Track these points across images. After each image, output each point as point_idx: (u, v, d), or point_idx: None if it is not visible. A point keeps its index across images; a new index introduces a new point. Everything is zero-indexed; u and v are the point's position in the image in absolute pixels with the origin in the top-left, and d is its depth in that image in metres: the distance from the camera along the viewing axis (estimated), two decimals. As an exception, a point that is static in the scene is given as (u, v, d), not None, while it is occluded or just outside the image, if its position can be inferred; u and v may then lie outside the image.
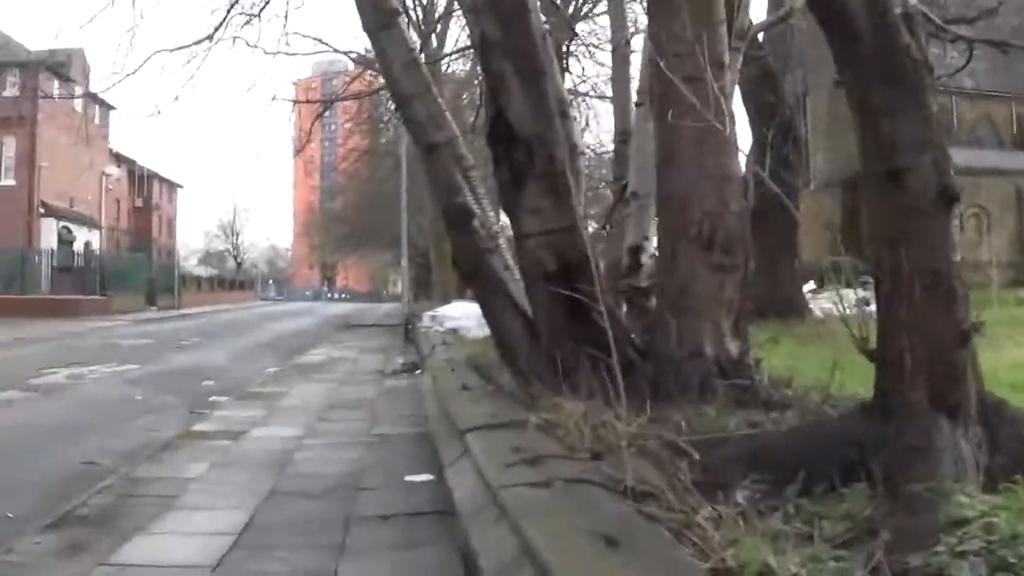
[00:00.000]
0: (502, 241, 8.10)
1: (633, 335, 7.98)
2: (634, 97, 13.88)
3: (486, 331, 18.35)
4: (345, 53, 35.14)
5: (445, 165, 8.13)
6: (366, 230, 64.56)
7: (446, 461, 7.17)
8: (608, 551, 3.50)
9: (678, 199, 7.70)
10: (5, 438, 10.55)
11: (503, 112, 7.64)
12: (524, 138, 7.41)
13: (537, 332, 7.42)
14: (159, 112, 42.56)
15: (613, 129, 18.30)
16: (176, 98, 40.50)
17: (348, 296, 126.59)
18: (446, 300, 32.25)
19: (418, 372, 17.27)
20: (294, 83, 42.46)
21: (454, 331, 19.27)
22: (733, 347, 7.37)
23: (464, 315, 20.44)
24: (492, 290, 7.80)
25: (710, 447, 5.26)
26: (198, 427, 11.17)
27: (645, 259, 10.95)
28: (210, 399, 14.21)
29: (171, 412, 12.89)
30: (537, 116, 7.60)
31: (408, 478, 7.70)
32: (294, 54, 35.63)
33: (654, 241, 10.47)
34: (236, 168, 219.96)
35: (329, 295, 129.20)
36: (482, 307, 8.13)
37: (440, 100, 9.61)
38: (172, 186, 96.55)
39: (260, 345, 27.86)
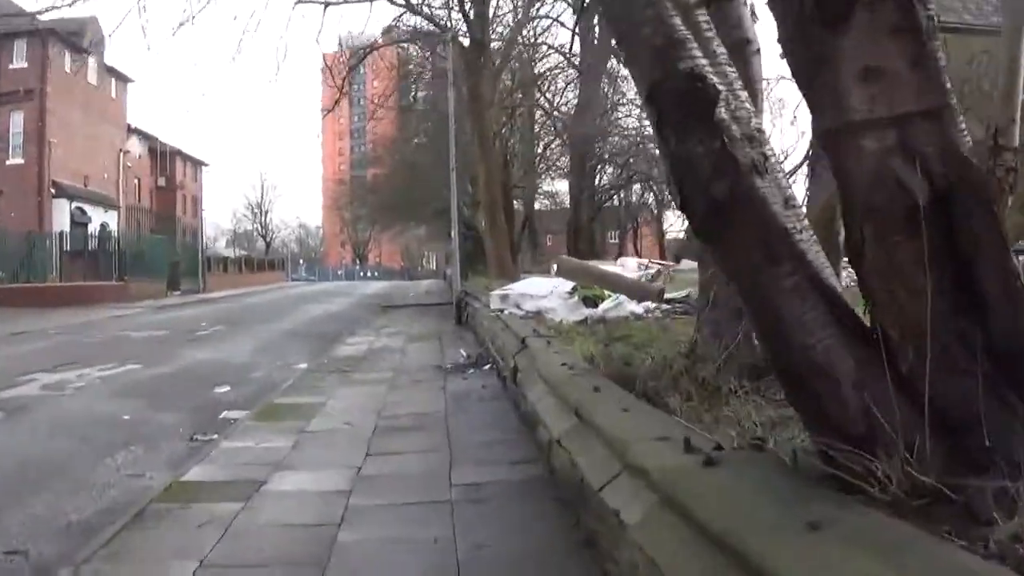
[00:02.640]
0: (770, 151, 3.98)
1: None
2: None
3: (578, 315, 15.04)
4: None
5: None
6: (400, 202, 61.01)
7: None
8: None
9: None
10: None
11: None
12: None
13: (889, 347, 3.47)
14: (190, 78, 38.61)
15: None
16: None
17: (382, 274, 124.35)
18: (503, 277, 28.66)
19: (487, 367, 14.14)
20: (326, 64, 38.99)
21: (536, 314, 15.51)
22: None
23: (546, 292, 16.75)
24: (763, 250, 3.60)
25: None
26: (194, 474, 7.70)
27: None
28: (221, 416, 11.20)
29: (163, 442, 9.57)
30: None
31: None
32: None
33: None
34: (264, 145, 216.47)
35: (362, 273, 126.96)
36: (740, 283, 3.82)
37: None
38: (197, 164, 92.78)
39: (289, 334, 24.57)
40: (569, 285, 17.03)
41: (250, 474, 7.52)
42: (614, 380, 7.09)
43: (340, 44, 46.81)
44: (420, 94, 52.55)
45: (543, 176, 57.17)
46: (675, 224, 67.61)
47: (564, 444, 5.94)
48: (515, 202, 49.58)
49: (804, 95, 3.67)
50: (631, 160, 52.62)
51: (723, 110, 3.75)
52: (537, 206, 61.60)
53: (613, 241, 69.83)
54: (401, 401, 11.65)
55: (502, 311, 16.28)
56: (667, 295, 16.07)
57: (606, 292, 15.70)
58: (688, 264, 21.14)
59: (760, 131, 3.92)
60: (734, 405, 6.27)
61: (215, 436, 9.56)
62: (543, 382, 7.95)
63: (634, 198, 65.28)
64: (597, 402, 5.91)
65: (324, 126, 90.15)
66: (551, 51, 46.15)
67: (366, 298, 49.26)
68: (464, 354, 15.65)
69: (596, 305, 15.08)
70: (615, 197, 61.01)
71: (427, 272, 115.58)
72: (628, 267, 23.36)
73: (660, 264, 24.82)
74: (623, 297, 15.10)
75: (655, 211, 70.84)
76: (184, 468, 7.87)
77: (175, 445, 9.39)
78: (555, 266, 23.17)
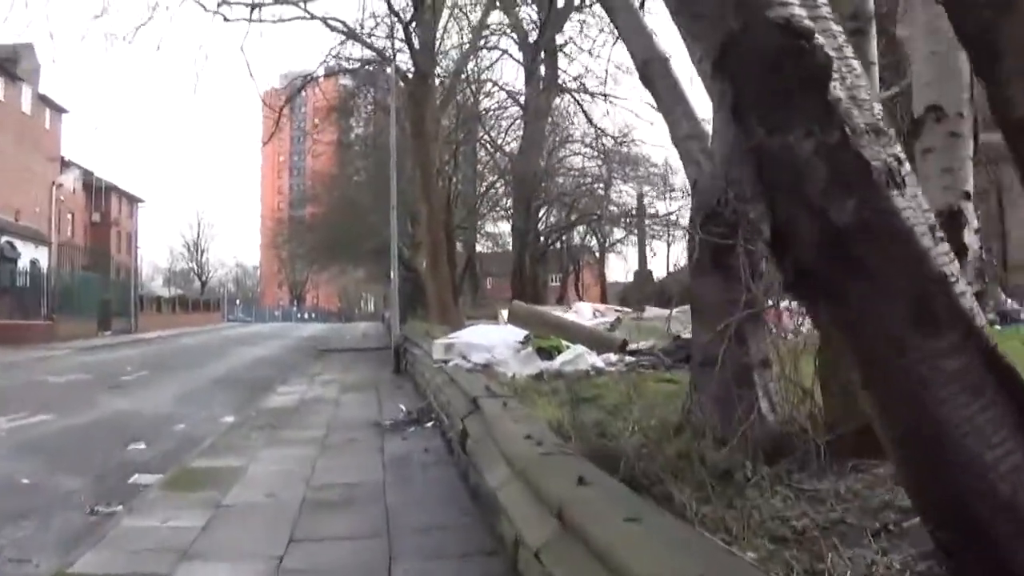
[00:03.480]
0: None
1: None
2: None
3: (533, 368, 13.61)
4: (324, 20, 29.82)
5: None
6: (338, 242, 59.40)
7: None
8: None
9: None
10: None
11: None
12: None
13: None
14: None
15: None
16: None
17: (319, 316, 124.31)
18: (445, 322, 27.19)
19: (430, 424, 12.80)
20: (261, 97, 37.58)
21: (485, 367, 13.93)
22: None
23: (496, 343, 15.16)
24: (910, 310, 2.23)
25: None
26: (85, 562, 6.41)
27: (969, 237, 5.29)
28: (131, 480, 10.10)
29: (60, 515, 8.36)
30: None
31: None
32: (260, 21, 29.93)
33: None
34: (203, 182, 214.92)
35: (300, 315, 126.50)
36: (866, 362, 2.45)
37: None
38: (133, 200, 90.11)
39: (218, 381, 23.47)
40: (521, 333, 15.54)
41: (149, 566, 6.26)
42: (592, 459, 5.67)
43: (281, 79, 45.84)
44: (360, 130, 51.32)
45: (485, 217, 55.89)
46: (616, 268, 67.24)
47: (547, 564, 4.44)
48: (456, 243, 48.35)
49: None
50: (575, 202, 51.74)
51: (838, 86, 2.35)
52: (479, 248, 60.20)
53: (555, 284, 68.73)
54: (333, 467, 10.30)
55: (446, 362, 14.78)
56: (630, 346, 14.70)
57: (563, 342, 14.20)
58: (653, 312, 19.69)
59: (881, 122, 2.51)
60: (753, 498, 4.92)
61: (119, 508, 8.34)
62: (505, 462, 6.47)
63: (577, 240, 64.19)
64: (588, 503, 4.42)
65: (264, 162, 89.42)
66: (496, 88, 45.39)
67: (302, 341, 48.27)
68: (404, 409, 14.23)
69: (552, 357, 13.63)
70: (559, 240, 59.80)
71: (365, 314, 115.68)
72: (583, 314, 21.80)
73: (617, 311, 23.36)
74: (582, 348, 13.60)
75: (597, 254, 70.20)
76: (76, 553, 6.64)
77: (73, 519, 8.18)
78: (504, 313, 21.77)
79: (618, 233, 61.98)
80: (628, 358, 13.54)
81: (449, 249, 36.97)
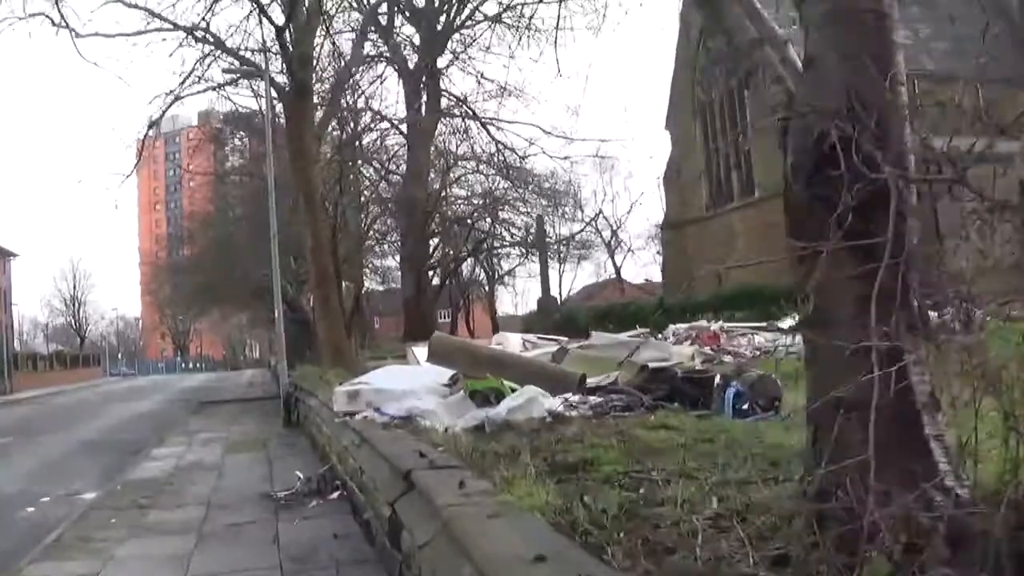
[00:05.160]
0: None
1: None
2: None
3: (470, 419, 10.46)
4: (188, 30, 26.47)
5: None
6: (217, 284, 55.70)
7: None
8: None
9: None
10: None
11: None
12: None
13: None
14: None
15: None
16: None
17: (204, 365, 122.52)
18: (338, 365, 24.06)
19: (335, 496, 10.24)
20: (135, 144, 34.60)
21: (406, 419, 10.54)
22: None
23: (414, 387, 11.85)
24: None
25: None
26: None
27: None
28: None
29: None
30: None
31: None
32: (113, 35, 26.82)
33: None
34: (77, 230, 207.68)
35: (184, 365, 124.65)
36: None
37: None
38: (5, 254, 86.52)
39: (85, 445, 20.94)
40: (444, 374, 12.36)
41: None
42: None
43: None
44: (238, 161, 48.73)
45: (372, 250, 52.80)
46: (505, 301, 66.10)
47: None
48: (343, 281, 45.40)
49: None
50: (473, 227, 49.33)
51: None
52: (367, 284, 56.92)
53: (444, 320, 66.20)
54: (213, 570, 7.66)
55: (352, 415, 11.69)
56: (588, 382, 11.68)
57: (504, 383, 10.94)
58: (602, 338, 16.50)
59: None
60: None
61: None
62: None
63: (466, 272, 61.81)
64: None
65: (140, 205, 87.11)
66: (377, 117, 43.08)
67: (183, 393, 45.71)
68: (300, 476, 11.26)
69: (492, 402, 10.48)
70: (455, 270, 57.03)
71: (251, 362, 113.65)
72: (511, 344, 18.41)
73: (552, 339, 20.04)
74: (533, 390, 10.31)
75: (486, 287, 68.76)
76: None
77: None
78: (416, 351, 18.57)
79: (508, 263, 60.43)
80: (592, 398, 10.51)
81: (338, 284, 34.04)
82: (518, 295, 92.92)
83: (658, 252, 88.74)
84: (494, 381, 10.83)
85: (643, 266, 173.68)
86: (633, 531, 4.47)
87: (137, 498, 11.90)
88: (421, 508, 5.76)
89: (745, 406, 9.37)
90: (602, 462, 6.51)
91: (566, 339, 18.90)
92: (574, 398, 10.42)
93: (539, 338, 20.69)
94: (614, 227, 67.20)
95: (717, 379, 10.57)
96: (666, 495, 5.20)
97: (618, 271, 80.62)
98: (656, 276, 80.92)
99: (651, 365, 11.91)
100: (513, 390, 10.43)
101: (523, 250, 53.23)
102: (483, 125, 42.57)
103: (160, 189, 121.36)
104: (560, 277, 67.25)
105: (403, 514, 6.13)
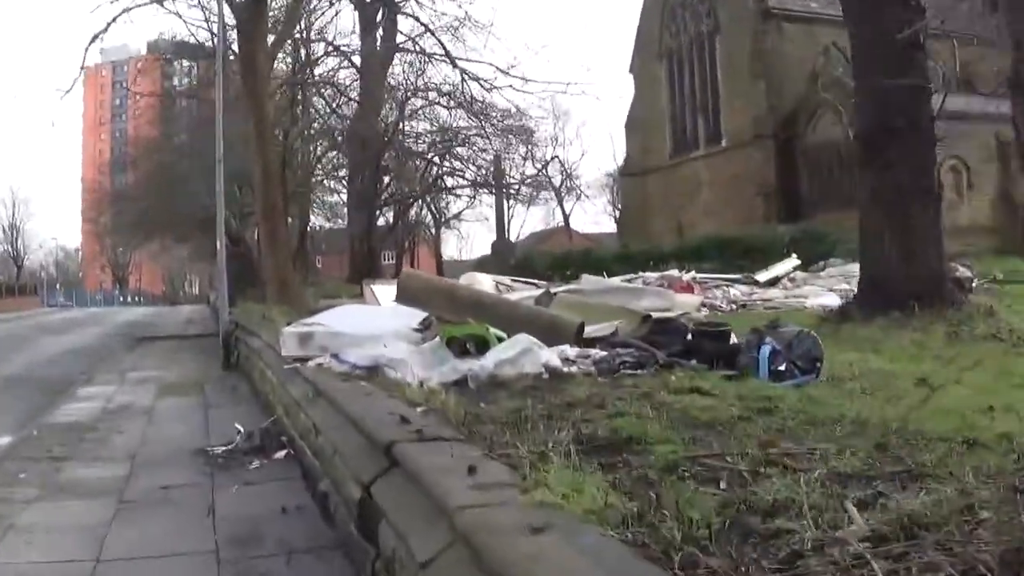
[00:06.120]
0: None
1: None
2: None
3: (448, 372, 8.79)
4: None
5: None
6: (158, 213, 53.40)
7: None
8: None
9: None
10: None
11: None
12: None
13: None
14: None
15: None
16: None
17: (143, 299, 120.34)
18: (284, 303, 22.42)
19: (281, 454, 8.84)
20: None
21: (370, 370, 8.90)
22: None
23: (379, 331, 10.16)
24: None
25: None
26: None
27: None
28: None
29: None
30: None
31: None
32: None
33: None
34: (15, 153, 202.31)
35: (122, 299, 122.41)
36: None
37: None
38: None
39: (6, 381, 19.03)
40: (414, 317, 10.61)
41: None
42: None
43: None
44: (186, 83, 47.06)
45: (320, 185, 51.11)
46: (450, 245, 65.84)
47: None
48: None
49: None
50: (429, 166, 47.97)
51: None
52: (313, 220, 55.15)
53: (389, 262, 64.85)
54: (133, 550, 6.15)
55: (304, 360, 10.11)
56: (586, 332, 9.98)
57: (490, 330, 9.21)
58: (591, 282, 14.85)
59: None
60: None
61: None
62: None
63: (412, 214, 60.40)
64: None
65: (84, 128, 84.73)
66: (331, 49, 41.61)
67: (120, 328, 43.31)
68: (241, 430, 9.71)
69: (472, 352, 8.77)
70: (410, 207, 55.56)
71: (191, 297, 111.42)
72: (484, 287, 16.61)
73: (533, 283, 18.31)
74: (526, 339, 8.61)
75: (432, 230, 68.86)
76: None
77: None
78: (376, 288, 16.95)
79: (456, 206, 59.48)
80: (594, 352, 8.88)
81: (286, 217, 32.48)
82: (463, 239, 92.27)
83: (608, 201, 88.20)
84: (477, 327, 9.15)
85: (593, 215, 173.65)
86: (758, 561, 2.96)
87: (54, 446, 10.46)
88: (415, 501, 4.24)
89: (782, 367, 7.91)
90: (649, 439, 4.91)
91: (546, 283, 17.42)
92: (572, 351, 8.84)
93: (514, 280, 19.16)
94: (568, 171, 66.31)
95: (744, 335, 9.07)
96: (768, 495, 3.68)
97: (567, 218, 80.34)
98: (607, 226, 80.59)
99: (654, 315, 10.46)
100: (500, 339, 8.81)
101: (475, 191, 51.85)
102: (447, 55, 40.81)
103: (105, 117, 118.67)
104: (509, 222, 66.46)
105: (383, 501, 4.63)
